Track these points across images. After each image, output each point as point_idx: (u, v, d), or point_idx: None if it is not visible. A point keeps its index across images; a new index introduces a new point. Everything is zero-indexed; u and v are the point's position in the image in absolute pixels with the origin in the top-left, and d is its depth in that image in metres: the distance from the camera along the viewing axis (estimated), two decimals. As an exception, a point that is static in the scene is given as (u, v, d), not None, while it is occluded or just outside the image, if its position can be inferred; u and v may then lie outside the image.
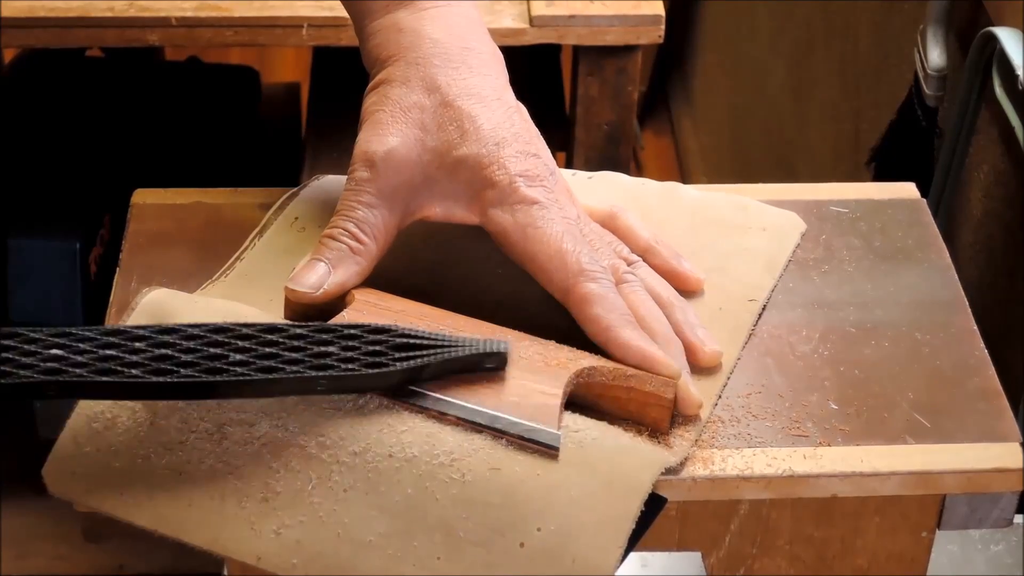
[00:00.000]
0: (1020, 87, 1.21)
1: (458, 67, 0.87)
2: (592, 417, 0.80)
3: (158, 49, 2.04)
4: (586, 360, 0.81)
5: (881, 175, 1.48)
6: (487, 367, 0.79)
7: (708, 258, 0.93)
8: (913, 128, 1.42)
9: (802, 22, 1.98)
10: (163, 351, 0.75)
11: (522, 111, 0.89)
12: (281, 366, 0.75)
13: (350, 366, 0.76)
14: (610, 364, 0.82)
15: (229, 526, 0.76)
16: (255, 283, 0.90)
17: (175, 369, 0.74)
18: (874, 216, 0.98)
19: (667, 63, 2.75)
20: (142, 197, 0.98)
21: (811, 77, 1.94)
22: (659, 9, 1.40)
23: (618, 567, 0.74)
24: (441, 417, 0.78)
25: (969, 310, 0.91)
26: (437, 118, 0.86)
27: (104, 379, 0.74)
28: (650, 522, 0.77)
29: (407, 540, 0.75)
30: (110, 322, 0.87)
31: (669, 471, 0.79)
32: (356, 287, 0.85)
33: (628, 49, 1.42)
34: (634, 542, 0.75)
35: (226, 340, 0.76)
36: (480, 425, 0.77)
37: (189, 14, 1.38)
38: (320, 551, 0.75)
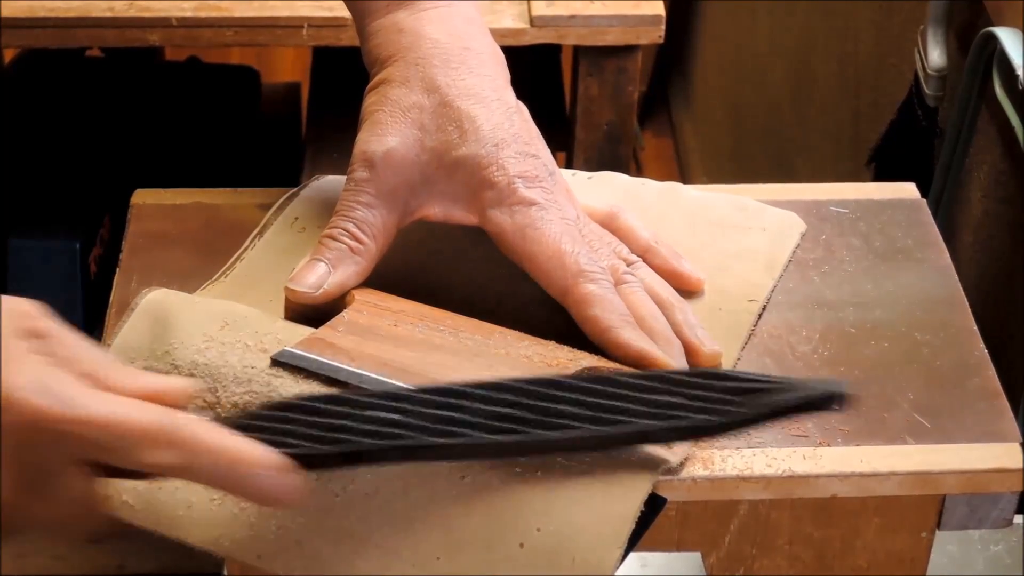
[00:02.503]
0: (1020, 87, 1.21)
1: (458, 67, 0.87)
2: (592, 417, 0.80)
3: (158, 49, 2.04)
4: (586, 360, 0.81)
5: (881, 175, 1.48)
6: (827, 408, 0.74)
7: (708, 258, 0.92)
8: (913, 128, 1.42)
9: (802, 22, 1.98)
10: (501, 409, 0.73)
11: (522, 111, 0.89)
12: (622, 418, 0.73)
13: (697, 416, 0.73)
14: (610, 364, 0.82)
15: (229, 526, 0.76)
16: (255, 283, 0.90)
17: (514, 428, 0.72)
18: (874, 216, 0.98)
19: (667, 63, 2.75)
20: (142, 197, 0.98)
21: (811, 77, 1.94)
22: (659, 9, 1.40)
23: (618, 567, 0.74)
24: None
25: (969, 310, 0.91)
26: (436, 118, 0.86)
27: (444, 441, 0.71)
28: (650, 522, 0.76)
29: (407, 540, 0.75)
30: (110, 323, 0.87)
31: (669, 471, 0.79)
32: (356, 287, 0.85)
33: (628, 49, 1.42)
34: (634, 542, 0.75)
35: (560, 394, 0.74)
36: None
37: (189, 14, 1.38)
38: (320, 551, 0.75)
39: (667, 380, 0.75)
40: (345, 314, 0.83)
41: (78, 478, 0.68)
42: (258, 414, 0.72)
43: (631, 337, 0.82)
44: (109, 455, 0.68)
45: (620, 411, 0.73)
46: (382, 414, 0.72)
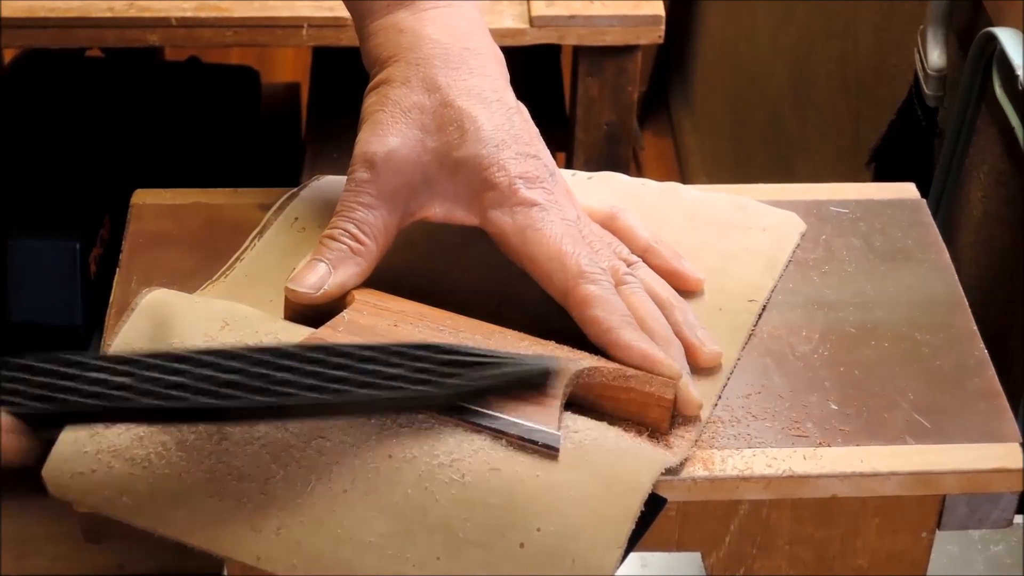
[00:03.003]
0: (1020, 87, 1.21)
1: (458, 68, 0.87)
2: (592, 418, 0.80)
3: (158, 49, 2.04)
4: (586, 360, 0.81)
5: (881, 175, 1.48)
6: (535, 386, 0.77)
7: (708, 258, 0.93)
8: (913, 128, 1.42)
9: (802, 22, 1.98)
10: (231, 376, 0.74)
11: (522, 112, 0.89)
12: (326, 384, 0.74)
13: (396, 384, 0.75)
14: (610, 365, 0.82)
15: (229, 526, 0.76)
16: (255, 283, 0.90)
17: (226, 392, 0.73)
18: (874, 216, 0.98)
19: (667, 63, 2.75)
20: (142, 197, 0.98)
21: (811, 77, 1.94)
22: (659, 9, 1.40)
23: (618, 567, 0.74)
24: (441, 418, 0.78)
25: (969, 310, 0.91)
26: (437, 119, 0.86)
27: (154, 403, 0.72)
28: (650, 522, 0.77)
29: (407, 540, 0.75)
30: (111, 323, 0.87)
31: (669, 471, 0.79)
32: (356, 288, 0.85)
33: (628, 49, 1.42)
34: (634, 542, 0.75)
35: (280, 362, 0.75)
36: (480, 425, 0.77)
37: (189, 14, 1.38)
38: (320, 551, 0.75)
39: (388, 351, 0.76)
40: (345, 314, 0.83)
41: None
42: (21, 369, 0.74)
43: (631, 338, 0.82)
44: None
45: (340, 380, 0.74)
46: (108, 376, 0.73)
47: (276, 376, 0.74)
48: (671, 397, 0.81)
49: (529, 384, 0.77)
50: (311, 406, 0.74)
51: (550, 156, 0.88)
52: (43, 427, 0.73)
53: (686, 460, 0.80)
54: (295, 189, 0.96)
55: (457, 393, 0.76)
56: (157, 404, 0.72)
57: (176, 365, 0.74)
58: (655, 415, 0.81)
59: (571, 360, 0.81)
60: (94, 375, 0.73)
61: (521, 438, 0.77)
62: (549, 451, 0.77)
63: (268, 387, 0.73)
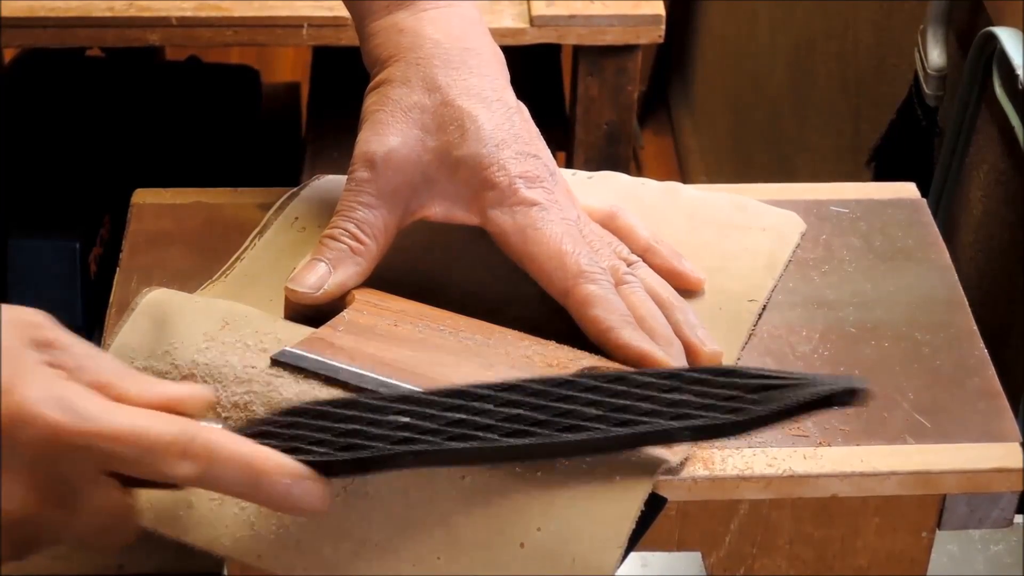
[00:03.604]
0: (1020, 87, 1.21)
1: (458, 67, 0.87)
2: (592, 417, 0.80)
3: (158, 49, 2.04)
4: (586, 360, 0.81)
5: (881, 175, 1.48)
6: (842, 404, 0.73)
7: (708, 258, 0.92)
8: (913, 128, 1.42)
9: (802, 22, 1.98)
10: (513, 410, 0.72)
11: (523, 111, 0.89)
12: (639, 418, 0.72)
13: (710, 414, 0.72)
14: (610, 364, 0.82)
15: (229, 526, 0.76)
16: (255, 283, 0.90)
17: (529, 429, 0.72)
18: (874, 216, 0.98)
19: (667, 63, 2.75)
20: (142, 197, 0.98)
21: (811, 77, 1.94)
22: (659, 9, 1.40)
23: (618, 567, 0.74)
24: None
25: (969, 310, 0.91)
26: (437, 118, 0.86)
27: (460, 445, 0.71)
28: (650, 522, 0.76)
29: (407, 540, 0.75)
30: (110, 322, 0.87)
31: (669, 471, 0.79)
32: (356, 287, 0.85)
33: (628, 49, 1.42)
34: (634, 542, 0.75)
35: (574, 394, 0.73)
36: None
37: (189, 14, 1.38)
38: (320, 551, 0.75)
39: (679, 378, 0.74)
40: (345, 314, 0.83)
41: (108, 489, 0.68)
42: (269, 419, 0.72)
43: (631, 337, 0.82)
44: (130, 467, 0.68)
45: (631, 410, 0.73)
46: (392, 417, 0.71)
47: (564, 408, 0.72)
48: (671, 397, 0.81)
49: (830, 404, 0.73)
50: (609, 439, 0.72)
51: (550, 156, 0.88)
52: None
53: (686, 460, 0.80)
54: (295, 189, 0.96)
55: (755, 418, 0.72)
56: (449, 446, 0.71)
57: (458, 402, 0.72)
58: (655, 415, 0.81)
59: (571, 360, 0.81)
60: (377, 416, 0.71)
61: (521, 438, 0.77)
62: (549, 451, 0.77)
63: (559, 420, 0.72)
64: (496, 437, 0.71)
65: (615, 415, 0.73)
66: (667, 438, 0.73)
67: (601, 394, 0.73)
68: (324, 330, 0.81)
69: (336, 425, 0.71)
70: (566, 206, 0.86)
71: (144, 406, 0.69)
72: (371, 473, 0.73)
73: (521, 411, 0.72)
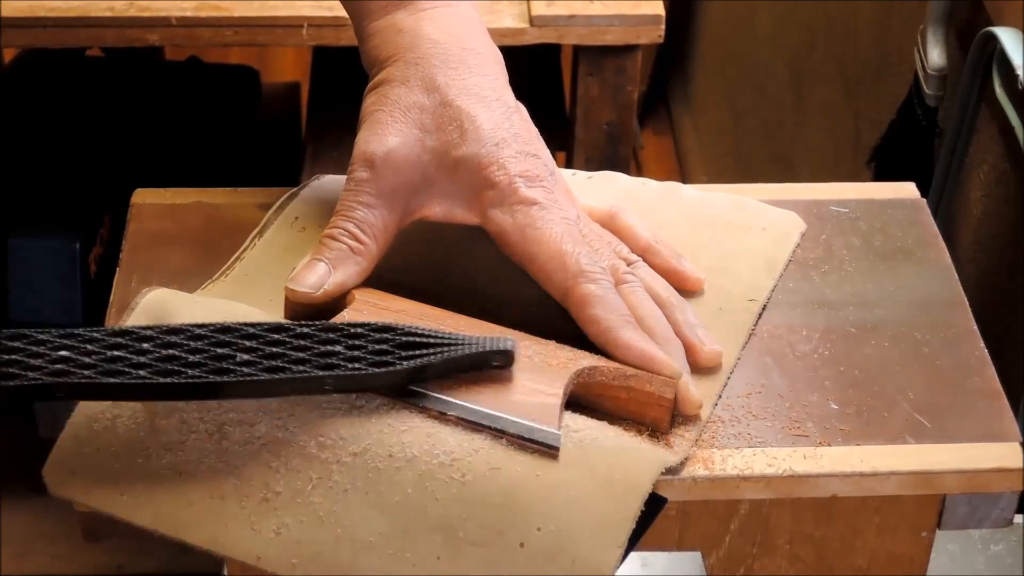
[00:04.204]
0: (1020, 87, 1.21)
1: (457, 67, 0.87)
2: (592, 417, 0.80)
3: (158, 49, 2.04)
4: (586, 360, 0.81)
5: (881, 175, 1.48)
6: (494, 365, 0.79)
7: (708, 258, 0.93)
8: (913, 128, 1.42)
9: (802, 22, 1.98)
10: (169, 351, 0.75)
11: (522, 111, 0.89)
12: (287, 366, 0.75)
13: (356, 365, 0.76)
14: (610, 364, 0.82)
15: (229, 526, 0.76)
16: (255, 283, 0.90)
17: (182, 370, 0.74)
18: (874, 216, 0.98)
19: (667, 63, 2.75)
20: (142, 197, 0.98)
21: (811, 77, 1.94)
22: (659, 9, 1.40)
23: (618, 567, 0.74)
24: (441, 417, 0.78)
25: (969, 310, 0.91)
26: (437, 118, 0.86)
27: (112, 380, 0.74)
28: (650, 522, 0.77)
29: (407, 540, 0.75)
30: (110, 322, 0.87)
31: (669, 471, 0.79)
32: (356, 287, 0.85)
33: (628, 49, 1.42)
34: (634, 542, 0.75)
35: (232, 340, 0.76)
36: (480, 425, 0.77)
37: (189, 14, 1.38)
38: (320, 551, 0.75)
39: (336, 330, 0.78)
40: (345, 313, 0.83)
41: None
42: None
43: (631, 337, 0.82)
44: None
45: (285, 358, 0.76)
46: (52, 352, 0.74)
47: (227, 354, 0.76)
48: (671, 396, 0.81)
49: (483, 363, 0.78)
50: (252, 383, 0.75)
51: (550, 155, 0.88)
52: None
53: (686, 459, 0.80)
54: (295, 188, 0.96)
55: (411, 369, 0.77)
56: (151, 380, 0.74)
57: (118, 340, 0.75)
58: (655, 414, 0.81)
59: (571, 360, 0.81)
60: (39, 349, 0.74)
61: (521, 437, 0.77)
62: (549, 450, 0.77)
63: (220, 365, 0.75)
64: (144, 375, 0.74)
65: (266, 362, 0.75)
66: (311, 386, 0.76)
67: (258, 341, 0.76)
68: (324, 330, 0.81)
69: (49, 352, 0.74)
70: (566, 205, 0.86)
71: None
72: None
73: (176, 352, 0.75)
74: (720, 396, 0.85)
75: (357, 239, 0.85)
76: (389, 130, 0.85)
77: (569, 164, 1.51)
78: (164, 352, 0.75)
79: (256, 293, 0.88)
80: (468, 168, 0.85)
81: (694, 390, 0.82)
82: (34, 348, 0.74)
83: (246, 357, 0.75)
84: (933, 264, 0.95)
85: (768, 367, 0.87)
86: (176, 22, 1.37)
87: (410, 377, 0.78)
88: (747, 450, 0.81)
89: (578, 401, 0.81)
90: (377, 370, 0.76)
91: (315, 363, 0.76)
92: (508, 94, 0.88)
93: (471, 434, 0.77)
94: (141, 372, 0.74)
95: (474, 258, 0.91)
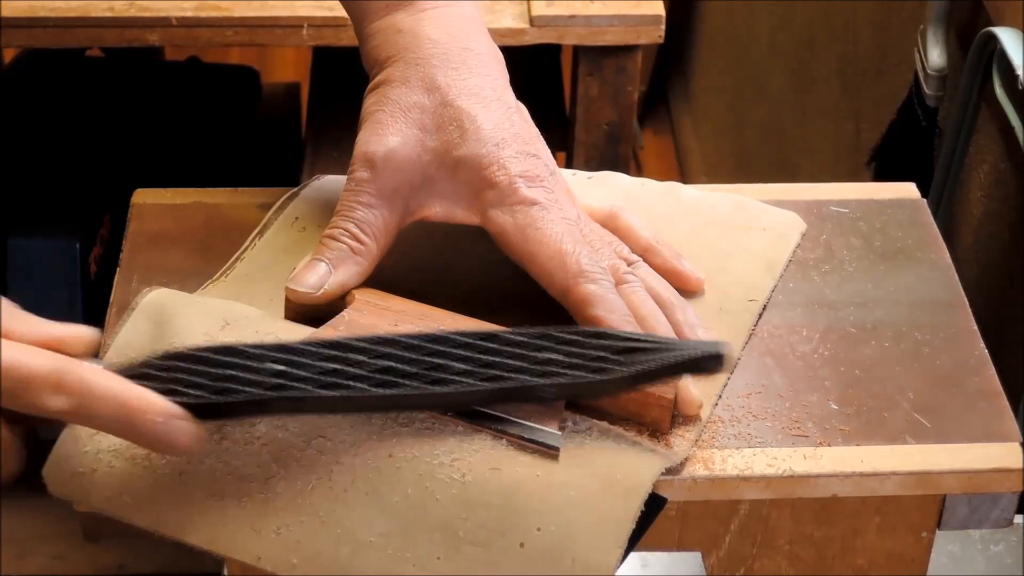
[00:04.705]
0: (1020, 87, 1.21)
1: (458, 67, 0.87)
2: (592, 417, 0.80)
3: (158, 49, 2.04)
4: (586, 360, 0.81)
5: (881, 175, 1.48)
6: (706, 368, 0.76)
7: (708, 258, 0.93)
8: (913, 128, 1.42)
9: (802, 22, 1.98)
10: (385, 363, 0.74)
11: (522, 111, 0.89)
12: (507, 375, 0.74)
13: (576, 372, 0.75)
14: (610, 364, 0.82)
15: (229, 526, 0.76)
16: (255, 283, 0.90)
17: (399, 381, 0.73)
18: (874, 216, 0.98)
19: (667, 63, 2.75)
20: (142, 197, 0.98)
21: (811, 77, 1.94)
22: (659, 9, 1.40)
23: (618, 567, 0.74)
24: (442, 416, 0.78)
25: (969, 310, 0.91)
26: (437, 118, 0.86)
27: (331, 393, 0.73)
28: (650, 522, 0.77)
29: (407, 540, 0.75)
30: (110, 322, 0.87)
31: (669, 471, 0.79)
32: (357, 287, 0.85)
33: (628, 49, 1.42)
34: (634, 542, 0.75)
35: (445, 349, 0.75)
36: (481, 425, 0.77)
37: (189, 14, 1.38)
38: (320, 551, 0.75)
39: (550, 338, 0.76)
40: (346, 314, 0.83)
41: None
42: (148, 363, 0.74)
43: (631, 337, 0.82)
44: (6, 400, 0.69)
45: (500, 367, 0.75)
46: (268, 365, 0.73)
47: (436, 363, 0.75)
48: (671, 397, 0.81)
49: (692, 368, 0.76)
50: (477, 392, 0.74)
51: (550, 155, 0.88)
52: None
53: (686, 460, 0.80)
54: (295, 189, 0.96)
55: (620, 378, 0.75)
56: (319, 393, 0.73)
57: (334, 352, 0.74)
58: (655, 415, 0.81)
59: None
60: (254, 364, 0.73)
61: (522, 438, 0.77)
62: (550, 451, 0.77)
63: (430, 374, 0.74)
64: (365, 387, 0.73)
65: (483, 371, 0.74)
66: (532, 394, 0.75)
67: (472, 351, 0.75)
68: (324, 330, 0.81)
69: (212, 370, 0.73)
70: (566, 205, 0.86)
71: (28, 343, 0.70)
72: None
73: (392, 363, 0.74)
74: (720, 396, 0.85)
75: (358, 239, 0.85)
76: (389, 130, 0.85)
77: (569, 164, 1.51)
78: (380, 363, 0.74)
79: (256, 293, 0.88)
80: (468, 168, 0.85)
81: (694, 390, 0.82)
82: (250, 363, 0.73)
83: (462, 367, 0.74)
84: (933, 264, 0.95)
85: (768, 367, 0.87)
86: (176, 22, 1.37)
87: (631, 384, 0.76)
88: (747, 450, 0.81)
89: (578, 401, 0.81)
90: (598, 376, 0.74)
91: (534, 371, 0.75)
92: (508, 94, 0.88)
93: (471, 434, 0.77)
94: (360, 384, 0.73)
95: (474, 258, 0.91)
